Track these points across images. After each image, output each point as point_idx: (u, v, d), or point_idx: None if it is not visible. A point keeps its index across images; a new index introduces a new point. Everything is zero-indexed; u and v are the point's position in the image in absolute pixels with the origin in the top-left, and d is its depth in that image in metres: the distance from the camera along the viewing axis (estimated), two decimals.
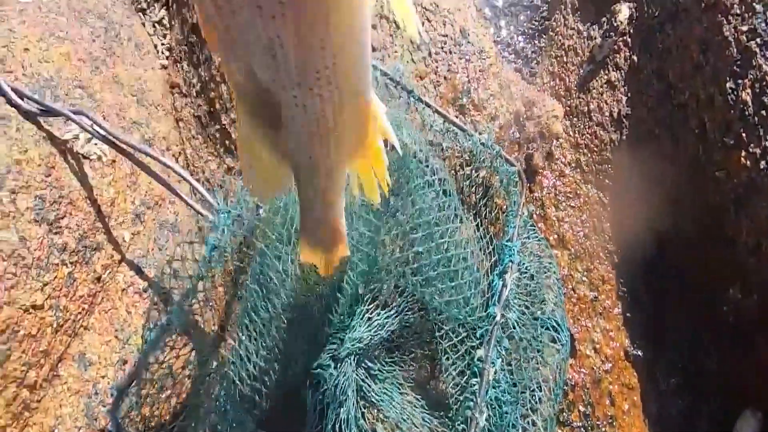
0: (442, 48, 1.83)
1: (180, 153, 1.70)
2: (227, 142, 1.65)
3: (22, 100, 1.34)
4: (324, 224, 0.70)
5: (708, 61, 1.45)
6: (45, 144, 1.32)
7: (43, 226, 1.24)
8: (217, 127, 1.69)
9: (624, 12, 1.67)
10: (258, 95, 0.47)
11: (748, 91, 1.31)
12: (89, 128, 1.35)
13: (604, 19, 1.79)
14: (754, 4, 1.34)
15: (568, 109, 1.81)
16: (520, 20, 2.21)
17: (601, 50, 1.76)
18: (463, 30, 1.87)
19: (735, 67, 1.36)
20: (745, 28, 1.34)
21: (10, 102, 1.33)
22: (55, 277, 1.24)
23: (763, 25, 1.31)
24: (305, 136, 0.51)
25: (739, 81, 1.34)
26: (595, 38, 1.79)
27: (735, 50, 1.36)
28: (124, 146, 1.37)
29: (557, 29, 1.98)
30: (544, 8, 2.18)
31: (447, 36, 1.85)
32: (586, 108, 1.78)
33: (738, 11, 1.36)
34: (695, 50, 1.48)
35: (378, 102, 0.54)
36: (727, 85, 1.37)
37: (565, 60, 1.88)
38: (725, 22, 1.39)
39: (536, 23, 2.17)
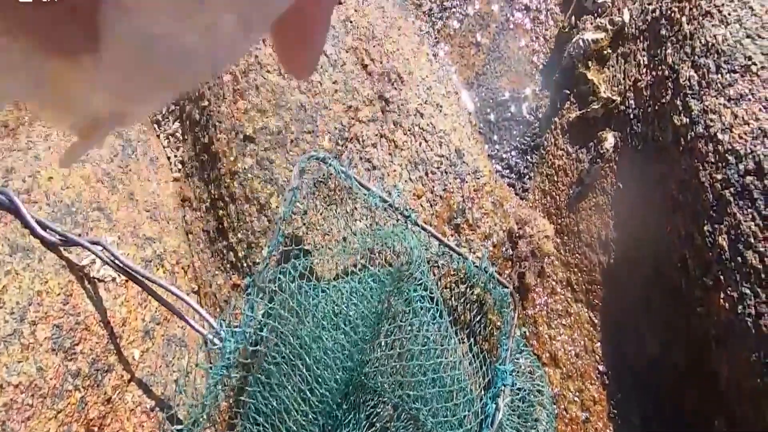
0: (438, 168, 1.96)
1: (189, 266, 1.78)
2: (234, 258, 1.73)
3: (45, 231, 1.43)
4: None
5: (687, 201, 1.56)
6: (64, 272, 1.40)
7: (59, 354, 1.29)
8: (225, 243, 1.78)
9: (609, 140, 1.80)
10: None
11: (725, 236, 1.41)
12: (105, 257, 1.44)
13: (591, 143, 1.93)
14: (726, 155, 1.46)
15: (558, 227, 1.91)
16: (512, 134, 2.36)
17: (588, 174, 1.88)
18: (458, 150, 2.01)
19: (712, 212, 1.46)
20: (719, 177, 1.45)
21: (34, 233, 1.42)
22: (68, 403, 1.28)
23: (736, 176, 1.42)
24: None
25: (716, 225, 1.44)
26: (584, 162, 1.92)
27: (711, 196, 1.47)
28: (136, 275, 1.45)
29: (548, 148, 2.12)
30: (536, 125, 2.34)
31: (443, 156, 1.99)
32: (576, 228, 1.88)
33: (713, 159, 1.48)
34: (675, 189, 1.60)
35: None
36: (705, 228, 1.47)
37: (555, 179, 2.00)
38: (701, 167, 1.51)
39: (528, 139, 2.32)
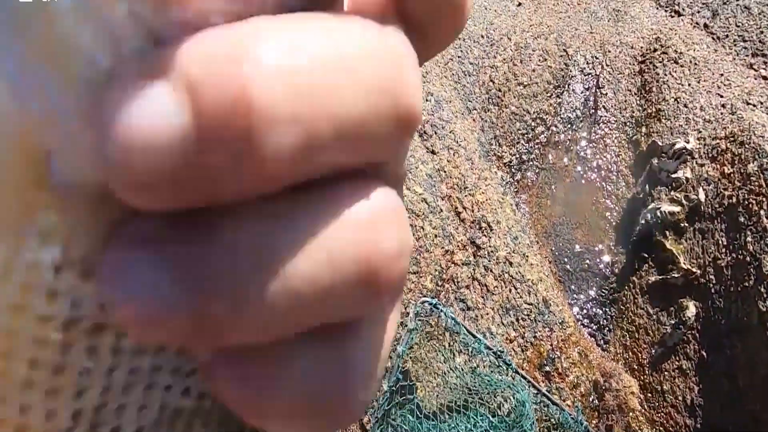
0: (528, 315, 2.18)
1: None
2: None
3: None
4: None
5: None
6: None
7: None
8: None
9: (691, 309, 1.98)
10: None
11: None
12: None
13: (672, 308, 2.11)
14: None
15: (642, 384, 2.02)
16: (590, 286, 2.58)
17: (671, 338, 2.04)
18: (545, 300, 2.24)
19: None
20: None
21: None
22: None
23: None
24: None
25: None
26: (665, 324, 2.09)
27: None
28: None
29: (627, 305, 2.31)
30: (613, 280, 2.56)
31: (532, 305, 2.22)
32: (660, 387, 1.99)
33: None
34: (764, 371, 1.72)
35: None
36: None
37: (636, 336, 2.16)
38: None
39: (606, 292, 2.53)
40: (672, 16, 4.40)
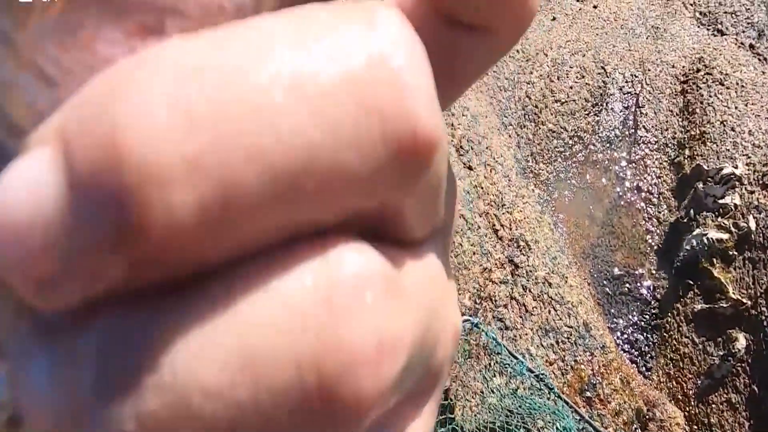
0: (567, 338, 2.16)
1: None
2: None
3: None
4: None
5: None
6: None
7: None
8: None
9: (741, 341, 1.93)
10: None
11: None
12: None
13: (720, 339, 2.06)
14: None
15: (687, 415, 1.98)
16: (630, 310, 2.54)
17: (719, 369, 1.99)
18: (586, 324, 2.22)
19: None
20: None
21: None
22: None
23: None
24: None
25: None
26: (712, 355, 2.04)
27: None
28: None
29: (671, 332, 2.27)
30: (655, 305, 2.51)
31: (572, 328, 2.20)
32: (707, 420, 1.94)
33: None
34: None
35: None
36: None
37: (681, 366, 2.12)
38: None
39: (648, 318, 2.49)
40: (715, 35, 4.32)
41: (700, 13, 4.64)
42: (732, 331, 2.02)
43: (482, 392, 1.90)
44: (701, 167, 2.96)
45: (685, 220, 2.70)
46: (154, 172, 0.07)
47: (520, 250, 2.66)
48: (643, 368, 2.29)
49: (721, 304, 2.09)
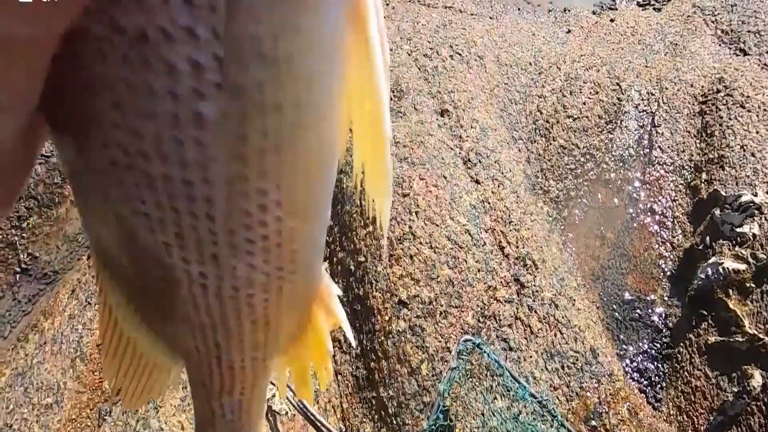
0: (574, 363, 2.10)
1: (338, 406, 1.99)
2: (383, 413, 1.92)
3: None
4: None
5: None
6: None
7: None
8: (374, 394, 1.99)
9: (757, 378, 1.87)
10: (136, 274, 0.31)
11: None
12: (289, 395, 1.70)
13: (735, 375, 1.99)
14: None
15: None
16: (641, 337, 2.47)
17: (733, 407, 1.92)
18: (593, 349, 2.16)
19: None
20: None
21: None
22: None
23: None
24: (215, 332, 0.34)
25: None
26: (726, 391, 1.97)
27: None
28: (311, 416, 1.69)
29: (683, 363, 2.20)
30: (666, 333, 2.45)
31: (579, 353, 2.14)
32: None
33: None
34: None
35: (329, 280, 0.40)
36: None
37: (693, 399, 2.05)
38: None
39: (658, 346, 2.42)
40: (737, 55, 4.26)
41: (722, 31, 4.58)
42: (747, 367, 1.95)
43: (483, 414, 1.85)
44: (719, 193, 2.90)
45: (700, 247, 2.64)
46: None
47: (527, 269, 2.60)
48: (653, 399, 2.22)
49: (737, 338, 2.03)
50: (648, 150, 3.82)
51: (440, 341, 2.06)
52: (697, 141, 3.67)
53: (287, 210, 0.28)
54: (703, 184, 3.18)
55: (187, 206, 0.26)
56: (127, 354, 0.37)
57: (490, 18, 4.73)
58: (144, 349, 0.37)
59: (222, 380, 0.38)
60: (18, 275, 2.75)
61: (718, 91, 3.89)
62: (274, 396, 1.77)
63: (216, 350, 0.35)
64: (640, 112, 4.06)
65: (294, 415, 1.80)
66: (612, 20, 4.79)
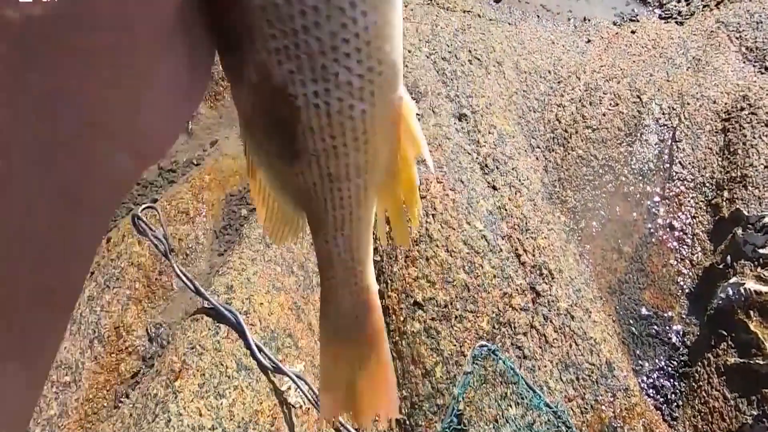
0: (589, 376, 2.10)
1: None
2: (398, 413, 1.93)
3: (261, 354, 1.76)
4: (355, 302, 0.54)
5: None
6: (272, 396, 1.68)
7: None
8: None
9: None
10: (269, 122, 0.38)
11: None
12: (304, 390, 1.71)
13: (755, 398, 1.99)
14: None
15: None
16: (657, 353, 2.47)
17: (752, 431, 1.91)
18: (609, 363, 2.16)
19: None
20: None
21: (253, 356, 1.75)
22: None
23: None
24: (327, 159, 0.40)
25: None
26: (745, 414, 1.97)
27: None
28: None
29: (700, 383, 2.20)
30: (684, 351, 2.44)
31: (594, 365, 2.14)
32: None
33: None
34: None
35: (409, 98, 0.44)
36: None
37: (710, 420, 2.05)
38: None
39: (675, 363, 2.42)
40: (762, 73, 4.26)
41: (747, 48, 4.58)
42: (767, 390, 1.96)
43: (497, 420, 1.85)
44: (741, 212, 2.90)
45: (720, 266, 2.63)
46: None
47: (543, 279, 2.61)
48: (668, 417, 2.22)
49: (757, 361, 2.02)
50: (668, 165, 3.82)
51: (455, 345, 2.06)
52: (719, 158, 3.66)
53: (370, 3, 0.33)
54: (724, 203, 3.17)
55: (305, 35, 0.33)
56: (270, 207, 0.47)
57: (509, 24, 4.74)
58: (280, 202, 0.46)
59: (335, 214, 0.45)
60: None
61: (742, 109, 3.89)
62: (289, 389, 1.79)
63: (329, 181, 0.42)
64: (660, 126, 4.06)
65: (308, 408, 1.81)
66: (633, 32, 4.80)
